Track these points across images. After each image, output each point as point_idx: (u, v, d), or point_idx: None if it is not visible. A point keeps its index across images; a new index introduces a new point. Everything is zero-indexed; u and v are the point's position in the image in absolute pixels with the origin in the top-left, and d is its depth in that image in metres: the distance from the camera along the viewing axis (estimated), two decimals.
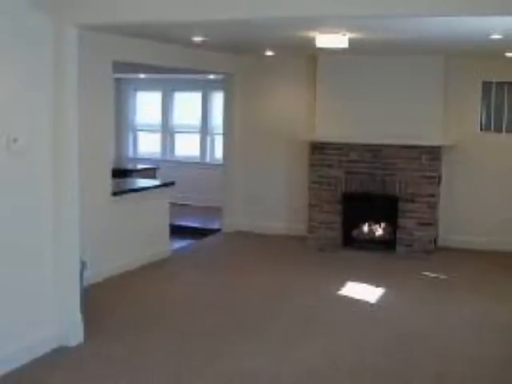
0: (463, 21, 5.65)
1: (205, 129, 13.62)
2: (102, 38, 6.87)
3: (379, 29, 6.55)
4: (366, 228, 9.48)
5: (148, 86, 14.07)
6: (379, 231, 9.44)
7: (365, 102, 9.25)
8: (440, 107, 9.05)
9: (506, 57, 8.54)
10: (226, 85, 10.38)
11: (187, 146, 13.88)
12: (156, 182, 9.34)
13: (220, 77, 10.94)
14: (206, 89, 13.38)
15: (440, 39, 7.15)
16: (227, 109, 10.38)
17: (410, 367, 5.24)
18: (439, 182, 9.06)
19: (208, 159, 13.63)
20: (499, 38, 6.59)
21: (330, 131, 9.33)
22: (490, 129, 9.26)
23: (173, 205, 9.08)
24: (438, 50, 8.44)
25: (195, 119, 13.68)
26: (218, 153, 12.70)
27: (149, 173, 11.97)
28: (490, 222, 9.26)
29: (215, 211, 11.24)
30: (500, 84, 9.15)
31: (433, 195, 8.91)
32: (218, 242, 10.02)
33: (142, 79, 13.86)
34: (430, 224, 8.94)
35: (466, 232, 9.35)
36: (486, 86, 9.20)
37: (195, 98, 13.62)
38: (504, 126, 9.20)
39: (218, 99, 12.84)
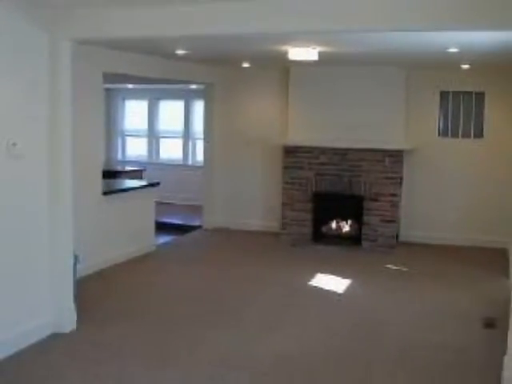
0: (422, 35, 5.73)
1: (187, 134, 13.66)
2: (93, 50, 6.89)
3: (346, 43, 6.61)
4: (334, 225, 9.55)
5: (135, 95, 14.06)
6: (346, 228, 9.51)
7: (333, 109, 9.32)
8: (402, 114, 9.14)
9: (461, 68, 8.67)
10: (206, 94, 10.40)
11: (171, 150, 13.90)
12: (143, 183, 9.34)
13: (201, 86, 10.96)
14: (188, 97, 13.41)
15: (401, 52, 7.22)
16: (207, 116, 10.41)
17: (372, 352, 5.29)
18: (401, 183, 9.16)
19: (190, 162, 13.68)
20: (455, 52, 6.69)
21: (302, 136, 9.40)
22: (447, 134, 9.38)
23: (158, 203, 9.13)
24: (400, 62, 8.52)
25: (178, 125, 13.71)
26: (199, 156, 12.74)
27: (136, 174, 12.00)
28: (447, 219, 9.38)
29: (196, 209, 11.28)
30: (456, 93, 9.28)
31: (395, 195, 9.00)
32: (199, 237, 10.03)
33: (130, 89, 13.88)
34: (392, 221, 9.03)
35: (425, 228, 9.47)
36: (444, 95, 9.33)
37: (178, 106, 13.67)
38: (460, 132, 9.32)
39: (199, 107, 12.90)
